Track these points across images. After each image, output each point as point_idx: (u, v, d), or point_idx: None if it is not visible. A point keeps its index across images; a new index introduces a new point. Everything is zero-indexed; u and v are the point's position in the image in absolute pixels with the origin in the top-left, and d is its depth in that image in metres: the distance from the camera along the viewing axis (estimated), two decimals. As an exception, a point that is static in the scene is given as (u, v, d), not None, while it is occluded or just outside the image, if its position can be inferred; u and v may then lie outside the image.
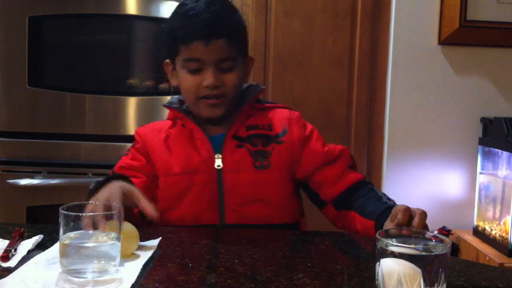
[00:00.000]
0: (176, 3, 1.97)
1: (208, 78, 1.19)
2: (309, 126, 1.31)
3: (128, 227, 0.94)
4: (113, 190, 1.02)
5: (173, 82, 1.29)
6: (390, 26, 2.07)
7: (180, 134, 1.27)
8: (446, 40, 2.04)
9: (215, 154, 1.21)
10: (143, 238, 1.00)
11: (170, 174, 1.23)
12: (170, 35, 1.25)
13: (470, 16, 2.00)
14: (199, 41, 1.18)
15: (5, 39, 1.98)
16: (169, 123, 1.31)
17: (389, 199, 1.20)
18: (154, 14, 2.00)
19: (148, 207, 1.02)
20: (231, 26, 1.23)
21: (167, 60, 1.28)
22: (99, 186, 1.08)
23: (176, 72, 1.27)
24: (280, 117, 1.29)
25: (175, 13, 1.24)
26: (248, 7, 2.07)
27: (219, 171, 1.21)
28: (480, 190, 2.03)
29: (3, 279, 0.80)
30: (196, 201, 1.20)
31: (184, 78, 1.23)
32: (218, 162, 1.21)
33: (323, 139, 1.30)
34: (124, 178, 1.12)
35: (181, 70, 1.23)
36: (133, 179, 1.20)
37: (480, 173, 2.02)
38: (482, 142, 2.01)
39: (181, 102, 1.31)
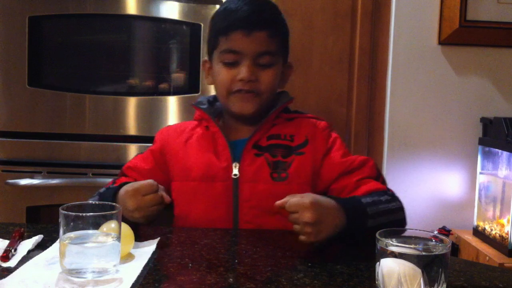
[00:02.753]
0: (177, 3, 1.99)
1: (243, 71, 1.16)
2: (333, 136, 1.25)
3: (122, 227, 0.93)
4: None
5: (208, 81, 1.27)
6: (390, 26, 2.07)
7: (202, 136, 1.24)
8: (446, 40, 2.04)
9: (233, 163, 1.18)
10: (143, 238, 1.00)
11: (188, 179, 1.20)
12: (211, 31, 1.23)
13: (470, 16, 2.00)
14: (239, 32, 1.15)
15: (5, 39, 1.98)
16: (194, 123, 1.28)
17: (387, 206, 1.10)
18: (154, 14, 2.00)
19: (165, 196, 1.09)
20: (273, 21, 1.20)
21: (205, 58, 1.27)
22: (114, 191, 1.11)
23: (212, 70, 1.24)
24: (304, 127, 1.24)
25: (217, 11, 1.24)
26: (248, 7, 2.07)
27: (235, 180, 1.17)
28: (480, 190, 2.03)
29: (3, 279, 0.80)
30: (211, 210, 1.18)
31: (219, 72, 1.20)
32: (235, 171, 1.17)
33: (346, 149, 1.25)
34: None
35: (217, 64, 1.20)
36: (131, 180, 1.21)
37: (480, 173, 2.02)
38: (482, 142, 2.01)
39: (210, 103, 1.28)
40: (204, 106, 1.26)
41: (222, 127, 1.23)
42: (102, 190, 1.19)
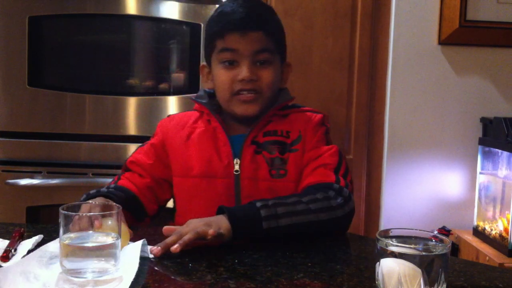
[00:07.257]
0: (177, 3, 1.99)
1: (243, 70, 1.17)
2: (322, 128, 1.25)
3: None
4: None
5: (208, 86, 1.27)
6: (390, 26, 2.07)
7: (204, 131, 1.24)
8: (446, 40, 2.04)
9: (234, 159, 1.19)
10: (143, 238, 1.00)
11: (189, 176, 1.21)
12: (207, 34, 1.24)
13: (470, 16, 2.01)
14: (235, 32, 1.17)
15: (5, 39, 1.98)
16: (195, 115, 1.28)
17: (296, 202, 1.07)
18: (154, 14, 2.00)
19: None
20: (268, 21, 1.22)
21: (203, 63, 1.28)
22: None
23: (211, 74, 1.24)
24: (299, 122, 1.25)
25: (212, 15, 1.25)
26: (248, 7, 2.07)
27: (236, 176, 1.19)
28: (480, 190, 2.03)
29: (7, 265, 0.82)
30: (213, 206, 1.15)
31: (219, 74, 1.20)
32: (236, 167, 1.19)
33: (325, 138, 1.24)
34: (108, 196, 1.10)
35: (216, 66, 1.21)
36: (138, 178, 1.22)
37: (480, 173, 2.02)
38: (482, 142, 2.01)
39: (210, 96, 1.28)
40: (205, 101, 1.26)
41: (222, 122, 1.23)
42: (92, 191, 1.15)
